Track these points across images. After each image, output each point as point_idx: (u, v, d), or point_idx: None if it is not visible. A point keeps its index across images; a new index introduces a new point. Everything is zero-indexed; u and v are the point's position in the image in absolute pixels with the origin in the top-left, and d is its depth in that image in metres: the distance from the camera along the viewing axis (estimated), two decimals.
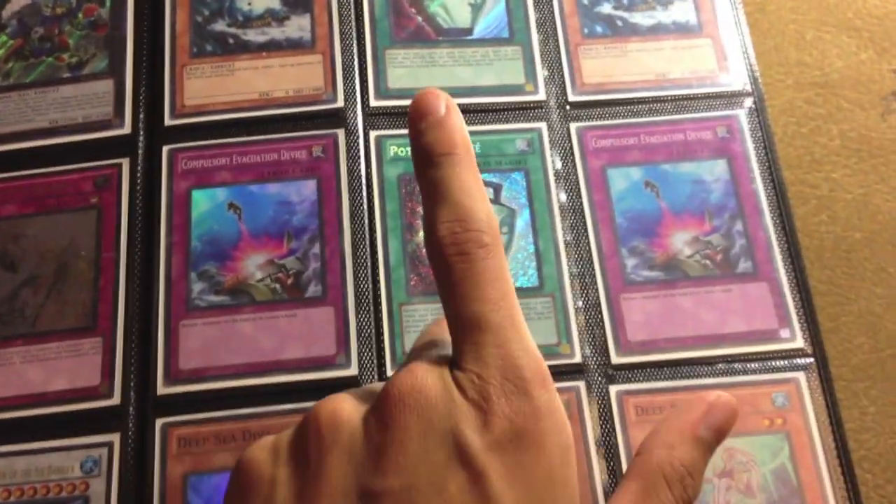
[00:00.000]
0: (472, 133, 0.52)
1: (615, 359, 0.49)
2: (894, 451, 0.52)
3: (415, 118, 0.33)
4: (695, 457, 0.32)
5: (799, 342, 0.50)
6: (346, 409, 0.31)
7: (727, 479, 0.47)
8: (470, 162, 0.32)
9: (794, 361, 0.50)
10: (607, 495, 0.47)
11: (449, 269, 0.31)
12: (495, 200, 0.53)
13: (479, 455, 0.29)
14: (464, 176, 0.32)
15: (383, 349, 0.49)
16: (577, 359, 0.49)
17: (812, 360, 0.50)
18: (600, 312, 0.50)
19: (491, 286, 0.31)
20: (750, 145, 0.54)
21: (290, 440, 0.32)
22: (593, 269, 0.51)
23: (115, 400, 0.49)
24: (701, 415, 0.33)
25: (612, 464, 0.48)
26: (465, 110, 0.55)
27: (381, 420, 0.30)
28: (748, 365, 0.49)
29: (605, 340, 0.50)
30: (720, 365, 0.49)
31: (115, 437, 0.48)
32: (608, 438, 0.48)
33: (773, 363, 0.50)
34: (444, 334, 0.33)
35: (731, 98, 0.56)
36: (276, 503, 0.30)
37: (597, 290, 0.51)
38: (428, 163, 0.32)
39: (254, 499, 0.31)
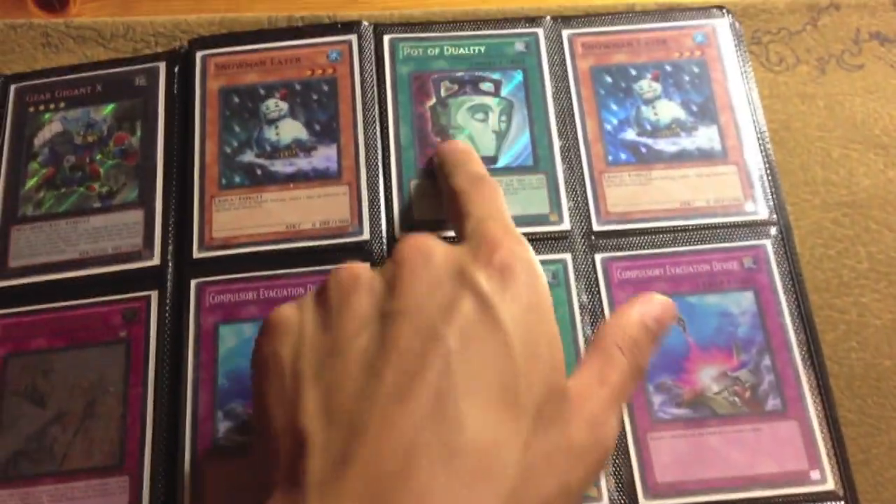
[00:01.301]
0: None
1: (642, 501, 0.49)
2: None
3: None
4: (642, 337, 0.40)
5: (829, 484, 0.49)
6: (362, 266, 0.39)
7: None
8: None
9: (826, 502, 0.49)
10: None
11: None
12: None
13: (482, 281, 0.36)
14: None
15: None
16: (606, 502, 0.49)
17: (843, 503, 0.49)
18: (628, 454, 0.50)
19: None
20: (777, 276, 0.54)
21: (314, 294, 0.40)
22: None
23: None
24: (647, 308, 0.41)
25: None
26: None
27: (394, 261, 0.38)
28: None
29: (635, 487, 0.49)
30: None
31: None
32: None
33: None
34: None
35: (758, 227, 0.56)
36: (305, 337, 0.36)
37: (625, 431, 0.51)
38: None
39: (285, 337, 0.37)
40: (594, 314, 0.54)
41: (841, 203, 0.62)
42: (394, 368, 0.33)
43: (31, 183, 0.58)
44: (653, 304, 0.42)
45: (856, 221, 0.61)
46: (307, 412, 0.33)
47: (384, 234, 0.55)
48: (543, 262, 0.55)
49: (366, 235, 0.55)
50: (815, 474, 0.50)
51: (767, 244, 0.55)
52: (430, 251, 0.37)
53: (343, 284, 0.38)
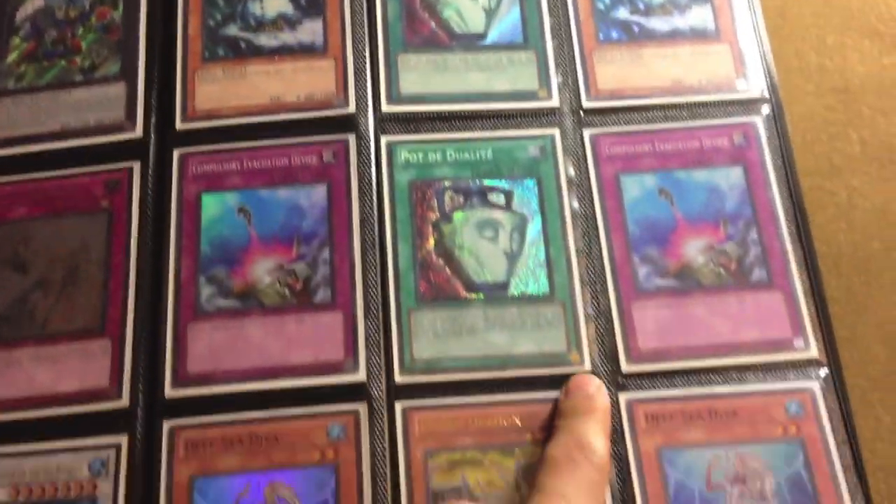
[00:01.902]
0: (483, 139, 0.52)
1: (626, 367, 0.49)
2: None
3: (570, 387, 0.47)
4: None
5: (813, 352, 0.49)
6: None
7: (740, 485, 0.46)
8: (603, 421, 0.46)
9: (809, 371, 0.49)
10: (614, 498, 0.46)
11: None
12: (507, 207, 0.52)
13: None
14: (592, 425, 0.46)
15: (391, 355, 0.49)
16: (587, 367, 0.49)
17: (827, 370, 0.49)
18: (611, 321, 0.50)
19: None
20: (767, 153, 0.54)
21: None
22: (605, 277, 0.51)
23: (124, 402, 0.49)
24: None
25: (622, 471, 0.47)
26: (477, 116, 0.55)
27: None
28: (761, 374, 0.49)
29: (616, 350, 0.49)
30: (733, 374, 0.49)
31: (123, 439, 0.48)
32: (617, 447, 0.47)
33: (787, 373, 0.49)
34: None
35: (749, 105, 0.55)
36: None
37: (608, 298, 0.50)
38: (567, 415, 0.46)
39: None
40: (581, 187, 0.53)
41: (834, 89, 0.61)
42: None
43: (12, 57, 0.58)
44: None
45: (849, 107, 0.60)
46: None
47: (370, 107, 0.55)
48: (531, 138, 0.54)
49: (351, 109, 0.54)
50: (798, 342, 0.49)
51: (758, 121, 0.55)
52: None
53: None
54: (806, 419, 0.48)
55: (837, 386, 0.49)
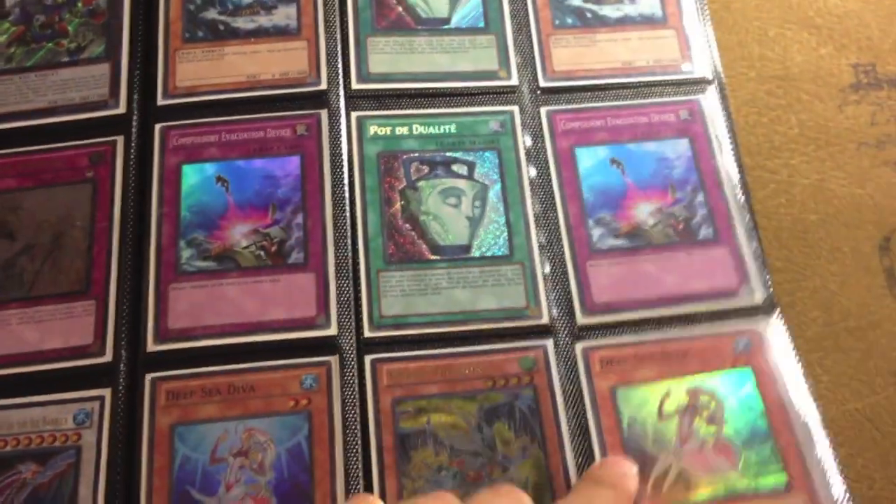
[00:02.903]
0: (447, 115, 0.55)
1: (581, 319, 0.52)
2: (846, 417, 0.54)
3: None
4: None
5: (758, 299, 0.53)
6: None
7: (691, 412, 0.50)
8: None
9: (755, 317, 0.52)
10: (573, 436, 0.50)
11: None
12: (469, 177, 0.56)
13: None
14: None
15: (361, 311, 0.52)
16: (545, 321, 0.52)
17: (771, 316, 0.53)
18: (567, 278, 0.53)
19: None
20: (711, 127, 0.58)
21: None
22: (560, 239, 0.54)
23: (107, 357, 0.51)
24: None
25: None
26: (442, 94, 0.59)
27: None
28: (710, 321, 0.52)
29: (572, 304, 0.53)
30: (683, 322, 0.52)
31: (107, 392, 0.51)
32: (573, 386, 0.51)
33: (735, 318, 0.52)
34: None
35: (694, 85, 0.59)
36: None
37: (564, 257, 0.54)
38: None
39: None
40: (538, 159, 0.57)
41: (775, 76, 0.65)
42: None
43: (1, 39, 0.61)
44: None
45: (788, 93, 0.65)
46: None
47: (341, 85, 0.58)
48: (492, 113, 0.58)
49: (323, 86, 0.58)
50: (743, 290, 0.53)
51: (702, 99, 0.59)
52: None
53: None
54: (753, 353, 0.52)
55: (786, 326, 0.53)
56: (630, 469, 0.47)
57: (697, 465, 0.49)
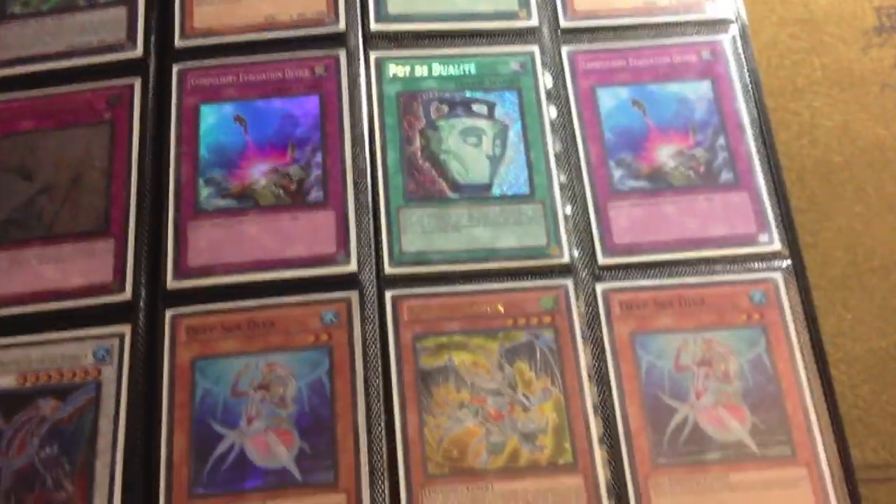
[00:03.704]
0: (467, 55, 0.55)
1: (602, 260, 0.52)
2: (870, 354, 0.54)
3: None
4: None
5: (776, 245, 0.52)
6: None
7: (706, 367, 0.49)
8: None
9: (772, 263, 0.52)
10: (590, 378, 0.49)
11: None
12: (489, 116, 0.55)
13: None
14: None
15: (381, 248, 0.52)
16: (566, 259, 0.52)
17: (789, 262, 0.52)
18: (588, 218, 0.53)
19: None
20: (733, 68, 0.57)
21: None
22: (582, 179, 0.54)
23: (127, 295, 0.51)
24: None
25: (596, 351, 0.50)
26: (461, 34, 0.58)
27: None
28: (728, 266, 0.52)
29: (593, 244, 0.52)
30: (701, 266, 0.52)
31: (127, 329, 0.51)
32: (593, 332, 0.50)
33: (752, 264, 0.52)
34: None
35: (716, 25, 0.59)
36: None
37: (585, 198, 0.54)
38: None
39: None
40: (559, 99, 0.57)
41: (798, 19, 0.65)
42: None
43: None
44: None
45: (811, 35, 0.64)
46: None
47: (359, 25, 0.58)
48: (512, 54, 0.58)
49: (341, 26, 0.58)
50: (763, 237, 0.53)
51: (725, 39, 0.58)
52: None
53: None
54: (769, 307, 0.51)
55: (799, 276, 0.52)
56: None
57: (711, 422, 0.49)
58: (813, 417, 0.49)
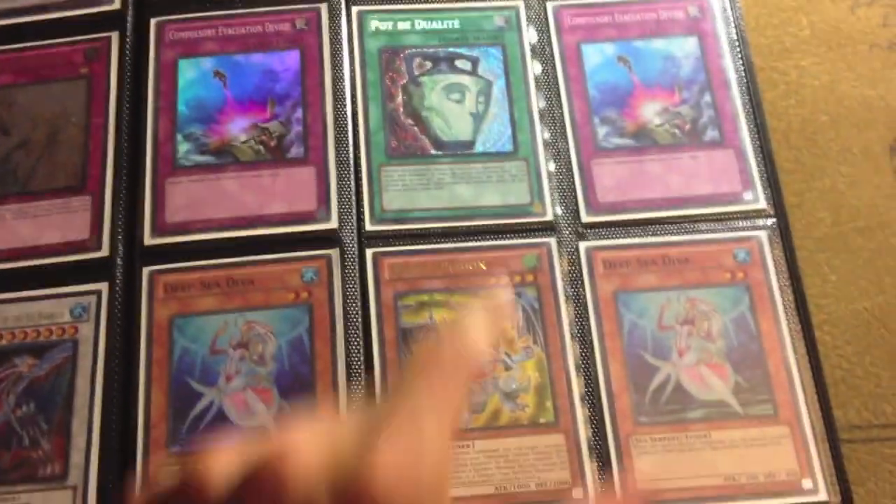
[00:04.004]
0: (450, 10, 0.54)
1: (585, 217, 0.51)
2: (854, 315, 0.54)
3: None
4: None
5: (761, 204, 0.52)
6: None
7: (689, 326, 0.49)
8: None
9: (757, 222, 0.52)
10: (573, 336, 0.49)
11: None
12: (473, 72, 0.55)
13: None
14: None
15: (362, 205, 0.51)
16: (549, 217, 0.51)
17: (773, 220, 0.52)
18: (572, 176, 0.52)
19: None
20: (720, 24, 0.56)
21: None
22: (566, 136, 0.53)
23: (104, 252, 0.51)
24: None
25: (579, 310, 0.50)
26: None
27: None
28: (712, 224, 0.51)
29: (576, 202, 0.52)
30: (686, 224, 0.51)
31: (104, 286, 0.50)
32: (576, 290, 0.50)
33: (737, 223, 0.52)
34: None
35: None
36: None
37: (569, 155, 0.53)
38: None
39: None
40: (544, 55, 0.56)
41: None
42: None
43: None
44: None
45: None
46: None
47: None
48: (496, 9, 0.57)
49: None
50: (747, 195, 0.52)
51: None
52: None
53: None
54: (753, 265, 0.51)
55: (784, 235, 0.52)
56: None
57: (693, 381, 0.48)
58: (796, 377, 0.49)
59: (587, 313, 0.50)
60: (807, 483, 0.47)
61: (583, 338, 0.49)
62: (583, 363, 0.49)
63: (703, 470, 0.47)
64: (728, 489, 0.47)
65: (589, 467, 0.47)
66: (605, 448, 0.47)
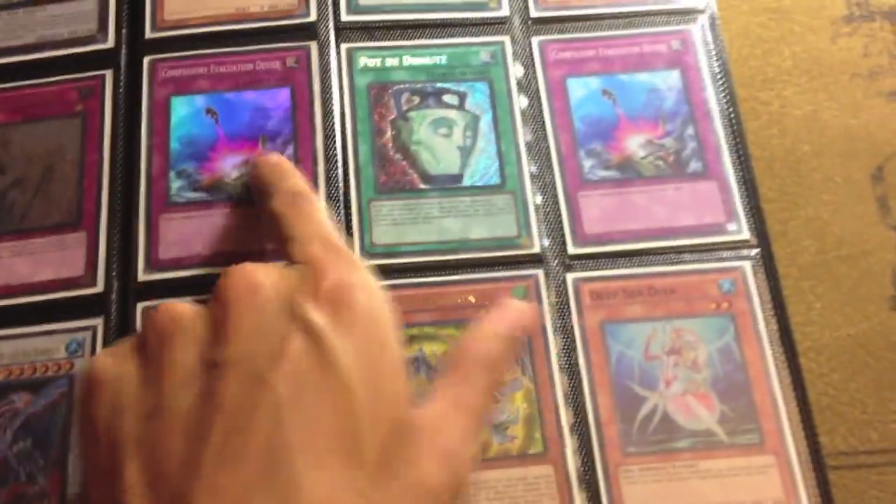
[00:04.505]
0: (438, 46, 0.55)
1: (572, 249, 0.52)
2: (839, 343, 0.55)
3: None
4: (496, 348, 0.37)
5: (745, 234, 0.53)
6: (182, 306, 0.33)
7: (675, 356, 0.50)
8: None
9: (741, 252, 0.53)
10: (561, 369, 0.50)
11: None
12: (460, 107, 0.56)
13: (312, 315, 0.32)
14: None
15: (352, 240, 0.52)
16: (537, 249, 0.52)
17: (757, 250, 0.53)
18: (558, 208, 0.53)
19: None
20: (703, 57, 0.57)
21: (133, 340, 0.35)
22: (552, 169, 0.54)
23: (99, 288, 0.51)
24: (500, 315, 0.39)
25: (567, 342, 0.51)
26: (432, 25, 0.58)
27: (218, 300, 0.33)
28: (697, 255, 0.52)
29: (563, 234, 0.53)
30: (671, 255, 0.52)
31: (99, 322, 0.51)
32: (564, 321, 0.51)
33: (721, 253, 0.52)
34: None
35: (685, 15, 0.59)
36: (123, 395, 0.31)
37: (555, 188, 0.54)
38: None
39: (102, 396, 0.32)
40: (530, 89, 0.57)
41: (767, 8, 0.65)
42: (220, 428, 0.29)
43: None
44: (506, 311, 0.39)
45: (781, 24, 0.64)
46: (126, 486, 0.29)
47: (331, 16, 0.58)
48: (482, 44, 0.58)
49: (313, 17, 0.58)
50: (731, 226, 0.53)
51: (694, 29, 0.59)
52: (256, 286, 0.32)
53: (161, 331, 0.32)
54: (737, 295, 0.52)
55: (767, 265, 0.53)
56: (492, 343, 0.38)
57: (680, 410, 0.49)
58: (781, 405, 0.50)
59: (575, 344, 0.51)
60: None
61: (570, 368, 0.50)
62: (571, 393, 0.50)
63: (691, 500, 0.48)
64: None
65: (578, 498, 0.48)
66: (594, 478, 0.48)
